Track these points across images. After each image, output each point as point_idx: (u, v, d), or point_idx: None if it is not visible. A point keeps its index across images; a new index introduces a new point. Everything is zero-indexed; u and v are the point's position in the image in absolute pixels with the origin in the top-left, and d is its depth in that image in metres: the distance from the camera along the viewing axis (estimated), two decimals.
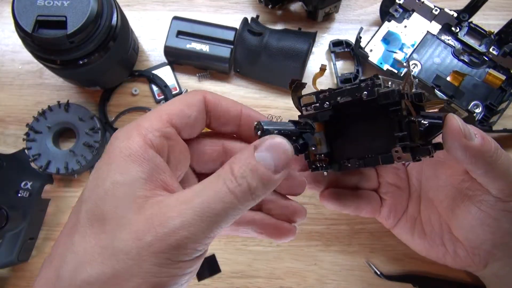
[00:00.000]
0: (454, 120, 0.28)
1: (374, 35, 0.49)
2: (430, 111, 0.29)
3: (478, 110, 0.46)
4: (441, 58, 0.48)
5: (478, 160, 0.30)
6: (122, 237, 0.21)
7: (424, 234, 0.38)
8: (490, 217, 0.33)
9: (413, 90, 0.27)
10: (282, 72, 0.48)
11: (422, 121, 0.27)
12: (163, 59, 0.51)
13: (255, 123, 0.24)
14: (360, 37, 0.47)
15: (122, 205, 0.22)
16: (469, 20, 0.48)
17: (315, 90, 0.31)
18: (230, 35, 0.48)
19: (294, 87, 0.31)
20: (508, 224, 0.33)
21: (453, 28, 0.48)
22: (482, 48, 0.47)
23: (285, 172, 0.23)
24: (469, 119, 0.45)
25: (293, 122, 0.27)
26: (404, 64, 0.47)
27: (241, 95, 0.50)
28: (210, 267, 0.45)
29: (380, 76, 0.27)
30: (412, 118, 0.27)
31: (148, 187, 0.22)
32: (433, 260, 0.45)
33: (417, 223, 0.39)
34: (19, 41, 0.40)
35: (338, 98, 0.29)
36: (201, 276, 0.45)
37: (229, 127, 0.28)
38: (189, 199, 0.22)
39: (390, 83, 0.28)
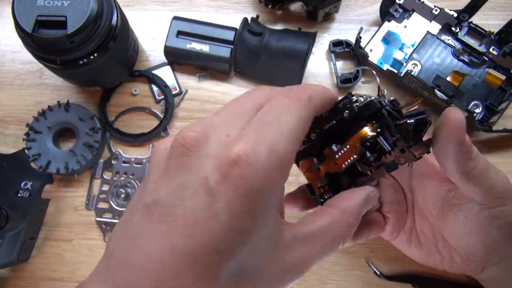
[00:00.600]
0: (457, 113, 0.27)
1: (374, 35, 0.49)
2: (411, 110, 0.29)
3: (478, 110, 0.46)
4: (441, 58, 0.48)
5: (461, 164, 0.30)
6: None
7: (420, 244, 0.38)
8: (477, 224, 0.33)
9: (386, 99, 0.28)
10: (282, 72, 0.48)
11: (408, 121, 0.27)
12: (163, 59, 0.51)
13: None
14: (360, 37, 0.47)
15: (263, 257, 0.21)
16: (469, 20, 0.48)
17: None
18: (230, 35, 0.48)
19: None
20: (496, 231, 0.33)
21: (453, 28, 0.48)
22: (482, 48, 0.47)
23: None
24: (469, 119, 0.45)
25: None
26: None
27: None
28: None
29: (353, 93, 0.28)
30: (398, 122, 0.27)
31: (280, 227, 0.22)
32: None
33: (413, 233, 0.39)
34: (19, 41, 0.40)
35: (323, 125, 0.28)
36: None
37: None
38: (312, 247, 0.23)
39: (364, 97, 0.28)
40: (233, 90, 0.50)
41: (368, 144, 0.27)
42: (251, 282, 0.21)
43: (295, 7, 0.53)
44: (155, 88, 0.50)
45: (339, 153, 0.28)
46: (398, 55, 0.48)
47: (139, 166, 0.48)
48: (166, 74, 0.50)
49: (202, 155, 0.20)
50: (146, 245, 0.19)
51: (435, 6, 0.48)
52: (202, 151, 0.20)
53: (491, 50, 0.47)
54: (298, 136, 0.22)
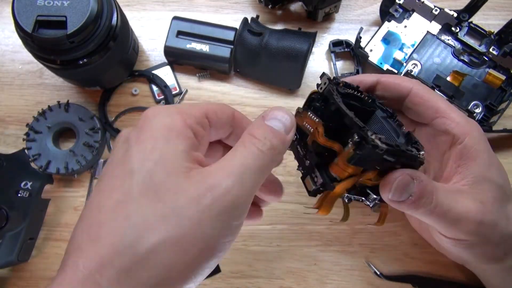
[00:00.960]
0: (389, 183, 0.29)
1: (374, 35, 0.49)
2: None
3: (478, 110, 0.46)
4: (441, 58, 0.48)
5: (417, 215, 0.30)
6: (181, 203, 0.22)
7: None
8: (457, 253, 0.34)
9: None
10: (282, 72, 0.48)
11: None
12: (163, 59, 0.51)
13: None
14: (360, 37, 0.47)
15: (173, 174, 0.23)
16: (469, 20, 0.48)
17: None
18: (230, 35, 0.48)
19: None
20: (475, 258, 0.34)
21: (453, 28, 0.48)
22: (482, 48, 0.47)
23: (292, 133, 0.27)
24: None
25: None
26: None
27: (241, 95, 0.50)
28: None
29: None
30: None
31: (189, 159, 0.24)
32: (432, 260, 0.45)
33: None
34: (19, 41, 0.40)
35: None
36: None
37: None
38: (228, 164, 0.24)
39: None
40: (233, 90, 0.50)
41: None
42: (168, 200, 0.22)
43: (295, 7, 0.53)
44: (155, 88, 0.50)
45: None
46: (398, 55, 0.48)
47: None
48: (166, 74, 0.50)
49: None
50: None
51: (435, 6, 0.48)
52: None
53: (491, 50, 0.47)
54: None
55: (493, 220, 0.31)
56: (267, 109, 0.27)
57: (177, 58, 0.50)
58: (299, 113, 0.30)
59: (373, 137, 0.25)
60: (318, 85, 0.29)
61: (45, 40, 0.37)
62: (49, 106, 0.46)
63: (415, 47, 0.48)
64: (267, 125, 0.26)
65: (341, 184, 0.28)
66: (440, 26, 0.49)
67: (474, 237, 0.31)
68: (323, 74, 0.29)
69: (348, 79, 0.34)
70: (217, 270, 0.45)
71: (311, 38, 0.48)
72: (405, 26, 0.49)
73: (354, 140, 0.25)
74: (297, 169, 0.31)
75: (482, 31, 0.48)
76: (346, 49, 0.50)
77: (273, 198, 0.32)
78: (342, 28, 0.52)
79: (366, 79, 0.35)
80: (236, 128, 0.30)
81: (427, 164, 0.35)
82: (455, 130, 0.32)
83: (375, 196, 0.30)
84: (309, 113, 0.28)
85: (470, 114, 0.44)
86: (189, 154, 0.24)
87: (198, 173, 0.23)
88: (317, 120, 0.28)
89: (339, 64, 0.51)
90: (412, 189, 0.28)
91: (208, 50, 0.48)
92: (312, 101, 0.29)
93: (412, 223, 0.42)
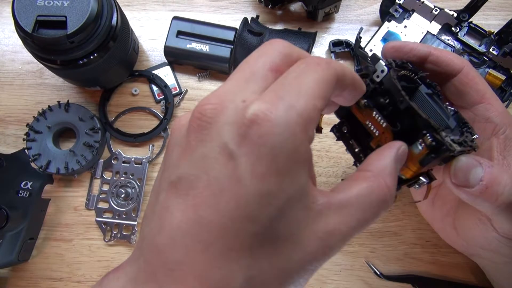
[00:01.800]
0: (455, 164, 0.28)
1: (374, 35, 0.49)
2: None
3: None
4: None
5: (479, 203, 0.29)
6: (295, 257, 0.20)
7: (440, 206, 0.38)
8: (503, 251, 0.33)
9: None
10: None
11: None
12: (163, 59, 0.51)
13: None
14: (360, 37, 0.47)
15: (294, 222, 0.20)
16: (469, 20, 0.48)
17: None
18: (230, 35, 0.48)
19: None
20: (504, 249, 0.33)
21: (453, 28, 0.48)
22: (482, 48, 0.47)
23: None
24: None
25: None
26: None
27: None
28: None
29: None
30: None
31: (309, 191, 0.20)
32: (432, 260, 0.45)
33: (438, 193, 0.38)
34: (19, 41, 0.40)
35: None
36: None
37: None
38: (348, 216, 0.21)
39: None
40: None
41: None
42: (285, 252, 0.19)
43: (295, 7, 0.53)
44: (155, 88, 0.50)
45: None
46: None
47: (139, 166, 0.48)
48: (166, 74, 0.50)
49: (220, 124, 0.19)
50: (174, 221, 0.19)
51: (435, 6, 0.48)
52: (220, 121, 0.19)
53: (491, 50, 0.47)
54: (319, 94, 0.20)
55: None
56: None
57: (177, 58, 0.50)
58: (360, 108, 0.27)
59: (448, 139, 0.24)
60: (366, 69, 0.27)
61: (45, 40, 0.37)
62: (49, 106, 0.46)
63: None
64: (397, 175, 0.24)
65: (406, 182, 0.27)
66: (440, 26, 0.49)
67: None
68: (375, 57, 0.26)
69: (397, 44, 0.31)
70: None
71: (311, 38, 0.48)
72: (405, 26, 0.49)
73: (428, 144, 0.24)
74: (353, 165, 0.30)
75: (482, 31, 0.48)
76: (346, 49, 0.50)
77: None
78: (342, 28, 0.52)
79: (418, 48, 0.31)
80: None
81: None
82: (497, 119, 0.31)
83: (425, 180, 0.28)
84: (374, 113, 0.26)
85: None
86: (309, 184, 0.21)
87: (316, 218, 0.20)
88: (384, 125, 0.26)
89: None
90: (480, 174, 0.27)
91: (208, 50, 0.48)
92: (375, 94, 0.26)
93: (431, 221, 0.40)
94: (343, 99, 0.24)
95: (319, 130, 0.29)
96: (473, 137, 0.28)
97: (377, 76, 0.26)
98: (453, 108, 0.31)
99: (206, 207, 0.18)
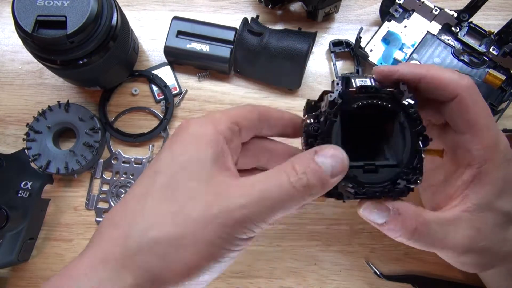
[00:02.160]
0: None
1: (374, 35, 0.49)
2: None
3: None
4: (441, 58, 0.48)
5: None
6: (192, 206, 0.24)
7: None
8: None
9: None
10: (282, 72, 0.48)
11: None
12: (163, 59, 0.51)
13: None
14: (360, 37, 0.47)
15: (195, 179, 0.25)
16: (469, 20, 0.48)
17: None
18: (230, 35, 0.48)
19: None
20: (472, 269, 0.33)
21: (453, 28, 0.48)
22: (482, 48, 0.47)
23: (339, 178, 0.26)
24: None
25: None
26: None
27: (241, 95, 0.50)
28: None
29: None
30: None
31: (216, 167, 0.26)
32: (432, 260, 0.45)
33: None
34: (19, 41, 0.40)
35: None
36: None
37: (276, 130, 0.33)
38: (253, 184, 0.25)
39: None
40: (233, 90, 0.50)
41: None
42: (181, 198, 0.25)
43: (295, 7, 0.53)
44: (155, 88, 0.50)
45: None
46: (398, 55, 0.48)
47: (139, 166, 0.48)
48: (166, 74, 0.50)
49: None
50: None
51: (435, 6, 0.48)
52: None
53: (491, 50, 0.47)
54: (234, 114, 0.29)
55: (485, 245, 0.30)
56: (326, 146, 0.26)
57: (177, 58, 0.50)
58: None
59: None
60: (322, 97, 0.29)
61: (45, 40, 0.37)
62: (49, 106, 0.46)
63: (415, 47, 0.48)
64: (314, 160, 0.25)
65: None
66: (440, 26, 0.49)
67: (465, 263, 0.31)
68: (331, 88, 0.28)
69: (384, 70, 0.30)
70: None
71: (311, 38, 0.48)
72: (405, 26, 0.49)
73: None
74: None
75: (482, 31, 0.48)
76: (346, 49, 0.50)
77: None
78: (342, 28, 0.52)
79: (407, 73, 0.29)
80: (264, 122, 0.31)
81: (437, 169, 0.33)
82: (478, 152, 0.29)
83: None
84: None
85: None
86: (218, 161, 0.26)
87: (220, 183, 0.25)
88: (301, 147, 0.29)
89: (339, 64, 0.51)
90: (387, 217, 0.28)
91: (208, 50, 0.48)
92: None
93: None
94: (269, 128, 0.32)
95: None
96: (411, 186, 0.27)
97: (323, 106, 0.28)
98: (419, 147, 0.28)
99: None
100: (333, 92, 0.27)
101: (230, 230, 0.24)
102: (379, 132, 0.30)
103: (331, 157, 0.25)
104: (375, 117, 0.28)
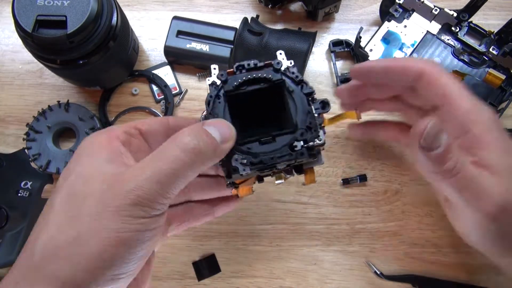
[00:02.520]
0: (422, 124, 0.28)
1: (374, 35, 0.49)
2: None
3: None
4: (441, 57, 0.48)
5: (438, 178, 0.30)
6: (87, 204, 0.24)
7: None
8: (481, 239, 0.33)
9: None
10: None
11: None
12: (163, 59, 0.51)
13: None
14: (360, 37, 0.47)
15: (90, 182, 0.25)
16: (469, 20, 0.48)
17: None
18: (230, 35, 0.48)
19: None
20: (497, 246, 0.32)
21: (453, 28, 0.48)
22: (482, 48, 0.47)
23: (229, 145, 0.27)
24: None
25: None
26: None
27: None
28: (210, 266, 0.45)
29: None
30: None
31: (112, 165, 0.26)
32: (432, 260, 0.45)
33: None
34: (19, 41, 0.40)
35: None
36: (201, 275, 0.45)
37: None
38: (144, 165, 0.25)
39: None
40: None
41: None
42: (78, 201, 0.25)
43: (295, 7, 0.53)
44: (155, 88, 0.50)
45: None
46: (398, 55, 0.48)
47: None
48: (166, 74, 0.50)
49: None
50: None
51: (435, 6, 0.48)
52: None
53: (491, 49, 0.47)
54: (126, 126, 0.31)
55: None
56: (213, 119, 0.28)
57: (177, 58, 0.50)
58: None
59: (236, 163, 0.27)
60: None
61: (45, 40, 0.37)
62: (49, 106, 0.46)
63: (415, 47, 0.48)
64: (202, 128, 0.26)
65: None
66: (440, 26, 0.49)
67: (495, 221, 0.29)
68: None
69: (355, 68, 0.33)
70: (217, 269, 0.45)
71: (311, 38, 0.48)
72: (405, 26, 0.49)
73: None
74: None
75: (482, 31, 0.48)
76: (346, 49, 0.50)
77: (223, 208, 0.35)
78: (342, 28, 0.52)
79: (375, 66, 0.32)
80: (176, 129, 0.31)
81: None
82: (460, 118, 0.30)
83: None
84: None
85: None
86: (114, 161, 0.27)
87: (114, 176, 0.25)
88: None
89: (339, 64, 0.51)
90: (442, 140, 0.28)
91: (208, 50, 0.48)
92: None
93: (448, 214, 0.38)
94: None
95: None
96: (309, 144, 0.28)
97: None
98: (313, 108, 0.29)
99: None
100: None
101: (130, 212, 0.24)
102: (276, 106, 0.30)
103: (217, 125, 0.26)
104: (267, 93, 0.29)
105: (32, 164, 0.45)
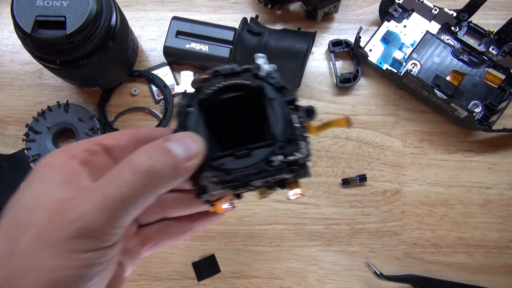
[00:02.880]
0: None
1: (374, 35, 0.49)
2: None
3: (477, 110, 0.46)
4: (441, 57, 0.48)
5: None
6: (25, 238, 0.21)
7: None
8: None
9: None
10: (281, 72, 0.47)
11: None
12: (163, 59, 0.51)
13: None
14: (360, 37, 0.47)
15: (34, 209, 0.22)
16: (469, 20, 0.48)
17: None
18: (229, 35, 0.48)
19: None
20: None
21: (452, 28, 0.48)
22: (481, 48, 0.47)
23: (195, 162, 0.23)
24: (469, 118, 0.45)
25: None
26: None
27: None
28: (209, 267, 0.45)
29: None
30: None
31: (65, 189, 0.23)
32: (432, 260, 0.45)
33: None
34: (18, 42, 0.40)
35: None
36: (201, 276, 0.45)
37: None
38: (91, 190, 0.22)
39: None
40: None
41: None
42: (17, 232, 0.22)
43: (295, 7, 0.53)
44: (154, 88, 0.50)
45: None
46: (398, 54, 0.48)
47: None
48: (165, 74, 0.50)
49: None
50: None
51: (434, 6, 0.48)
52: None
53: (490, 49, 0.47)
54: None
55: None
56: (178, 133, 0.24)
57: (176, 58, 0.50)
58: None
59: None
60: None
61: (44, 41, 0.37)
62: (48, 106, 0.46)
63: (414, 46, 0.48)
64: (161, 145, 0.22)
65: None
66: (439, 26, 0.49)
67: None
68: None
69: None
70: (217, 270, 0.45)
71: (310, 38, 0.47)
72: (405, 26, 0.49)
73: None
74: None
75: (482, 31, 0.48)
76: (345, 49, 0.50)
77: (203, 224, 0.30)
78: (342, 28, 0.52)
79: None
80: (147, 140, 0.26)
81: None
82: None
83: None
84: None
85: (470, 113, 0.44)
86: (68, 183, 0.23)
87: (61, 202, 0.22)
88: None
89: (339, 63, 0.51)
90: None
91: (207, 50, 0.48)
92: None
93: None
94: None
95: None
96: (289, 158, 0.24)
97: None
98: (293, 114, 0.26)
99: None
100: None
101: (69, 246, 0.20)
102: (256, 116, 0.26)
103: (182, 139, 0.23)
104: (245, 101, 0.26)
105: (32, 165, 0.45)
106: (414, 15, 0.49)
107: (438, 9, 0.48)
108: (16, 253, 0.21)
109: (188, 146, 0.23)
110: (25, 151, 0.45)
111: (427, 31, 0.49)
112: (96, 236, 0.21)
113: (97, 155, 0.26)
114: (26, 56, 0.42)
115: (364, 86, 0.50)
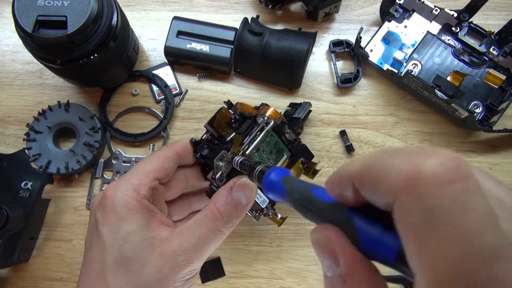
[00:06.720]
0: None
1: (374, 35, 0.49)
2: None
3: (478, 110, 0.46)
4: (442, 58, 0.48)
5: None
6: (146, 273, 0.28)
7: None
8: None
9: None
10: (282, 72, 0.48)
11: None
12: (163, 59, 0.51)
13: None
14: (360, 37, 0.47)
15: (139, 248, 0.29)
16: (469, 20, 0.48)
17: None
18: (230, 35, 0.48)
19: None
20: None
21: (453, 28, 0.48)
22: (482, 48, 0.47)
23: (252, 203, 0.31)
24: (470, 119, 0.45)
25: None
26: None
27: (241, 95, 0.50)
28: (214, 269, 0.45)
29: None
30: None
31: (151, 228, 0.30)
32: None
33: None
34: (19, 41, 0.40)
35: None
36: (205, 278, 0.45)
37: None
38: (188, 237, 0.29)
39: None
40: (233, 90, 0.50)
41: None
42: (135, 269, 0.28)
43: (295, 7, 0.53)
44: (155, 88, 0.50)
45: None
46: (398, 55, 0.48)
47: None
48: (166, 74, 0.50)
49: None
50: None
51: (435, 6, 0.48)
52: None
53: (491, 50, 0.47)
54: (152, 167, 0.33)
55: None
56: (235, 179, 0.31)
57: (177, 58, 0.50)
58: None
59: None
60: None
61: (45, 40, 0.37)
62: (49, 106, 0.46)
63: (415, 47, 0.48)
64: (233, 200, 0.30)
65: None
66: (440, 26, 0.49)
67: None
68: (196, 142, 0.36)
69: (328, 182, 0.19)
70: (221, 273, 0.45)
71: (311, 38, 0.47)
72: (405, 26, 0.49)
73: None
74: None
75: (483, 31, 0.48)
76: (346, 49, 0.50)
77: None
78: (342, 28, 0.52)
79: (353, 170, 0.17)
80: (184, 157, 0.35)
81: None
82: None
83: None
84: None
85: (471, 114, 0.44)
86: (151, 222, 0.30)
87: (161, 243, 0.29)
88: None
89: (339, 64, 0.51)
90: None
91: (208, 50, 0.48)
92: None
93: None
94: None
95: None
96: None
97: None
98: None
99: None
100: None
101: (181, 277, 0.29)
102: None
103: (243, 188, 0.30)
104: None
105: (32, 165, 0.45)
106: (415, 15, 0.49)
107: (439, 10, 0.48)
108: (144, 284, 0.28)
109: (249, 194, 0.30)
110: (26, 150, 0.45)
111: (427, 31, 0.49)
112: (195, 267, 0.30)
113: (157, 191, 0.33)
114: (27, 55, 0.42)
115: (365, 87, 0.50)
